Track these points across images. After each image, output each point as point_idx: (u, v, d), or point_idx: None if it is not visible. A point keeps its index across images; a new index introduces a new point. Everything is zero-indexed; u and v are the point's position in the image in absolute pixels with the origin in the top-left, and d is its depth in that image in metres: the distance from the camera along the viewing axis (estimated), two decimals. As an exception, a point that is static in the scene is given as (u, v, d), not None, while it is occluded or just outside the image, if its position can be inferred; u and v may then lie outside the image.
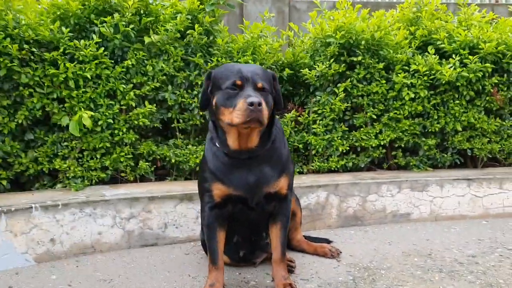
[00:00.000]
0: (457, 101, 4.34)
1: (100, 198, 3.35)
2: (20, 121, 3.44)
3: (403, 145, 4.38)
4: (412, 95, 4.19)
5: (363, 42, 4.07)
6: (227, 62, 3.90)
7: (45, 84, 3.46)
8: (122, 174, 3.83)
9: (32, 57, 3.41)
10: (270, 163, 2.63)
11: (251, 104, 2.25)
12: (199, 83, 3.88)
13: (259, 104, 2.27)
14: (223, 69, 2.49)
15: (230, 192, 2.58)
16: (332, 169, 4.27)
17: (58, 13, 3.63)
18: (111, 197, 3.39)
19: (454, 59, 4.22)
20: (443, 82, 4.17)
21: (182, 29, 3.81)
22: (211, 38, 3.96)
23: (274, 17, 4.57)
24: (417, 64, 4.20)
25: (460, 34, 4.31)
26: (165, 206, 3.51)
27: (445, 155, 4.49)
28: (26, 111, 3.44)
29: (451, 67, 4.17)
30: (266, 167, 2.61)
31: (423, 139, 4.39)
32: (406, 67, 4.26)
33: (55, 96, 3.50)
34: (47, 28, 3.44)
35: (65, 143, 3.61)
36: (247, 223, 2.83)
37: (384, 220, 4.06)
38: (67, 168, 3.58)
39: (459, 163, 4.60)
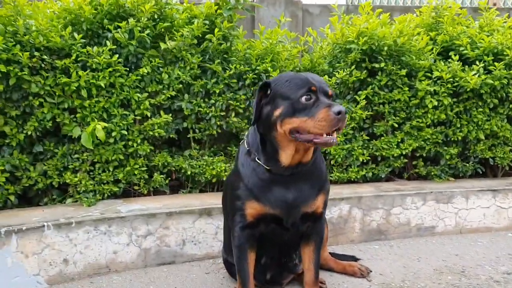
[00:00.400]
0: (480, 109, 4.18)
1: (115, 215, 3.15)
2: (29, 133, 3.23)
3: (424, 154, 4.22)
4: (436, 103, 4.03)
5: (385, 48, 3.90)
6: (246, 69, 3.72)
7: (56, 94, 3.25)
8: (135, 187, 3.63)
9: (42, 65, 3.20)
10: (311, 180, 2.46)
11: (339, 112, 2.09)
12: (217, 91, 3.68)
13: (346, 112, 2.13)
14: (287, 78, 2.30)
15: (266, 211, 2.40)
16: (352, 179, 4.10)
17: (69, 18, 3.43)
18: (127, 213, 3.19)
19: (478, 65, 4.07)
20: (467, 89, 4.02)
21: (200, 35, 3.62)
22: (228, 44, 3.77)
23: (287, 22, 4.37)
24: (440, 70, 4.05)
25: (483, 40, 4.16)
26: (183, 222, 3.31)
27: (467, 165, 4.34)
28: (36, 122, 3.23)
29: (475, 74, 4.02)
30: (306, 185, 2.44)
31: (445, 148, 4.23)
32: (429, 74, 4.10)
33: (66, 106, 3.30)
34: (58, 34, 3.23)
35: (76, 156, 3.41)
36: (278, 244, 2.66)
37: (408, 234, 3.89)
38: (78, 182, 3.37)
39: (481, 172, 4.46)
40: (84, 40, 3.36)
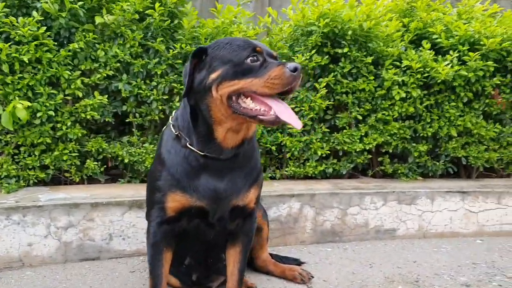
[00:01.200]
0: (453, 103, 3.85)
1: (32, 204, 2.84)
2: None
3: (390, 151, 3.89)
4: (403, 95, 3.69)
5: (349, 32, 3.56)
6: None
7: (-28, 67, 2.94)
8: (67, 175, 3.32)
9: (-44, 35, 2.89)
10: (245, 169, 2.16)
11: (295, 69, 1.86)
12: (159, 72, 3.35)
13: (301, 68, 1.88)
14: (227, 41, 2.02)
15: (191, 203, 2.08)
16: (309, 175, 3.77)
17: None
18: (46, 202, 2.88)
19: (451, 55, 3.73)
20: (438, 81, 3.69)
21: (141, 10, 3.29)
22: (175, 21, 3.44)
23: (252, 3, 4.03)
24: (410, 59, 3.71)
25: (460, 28, 3.81)
26: (110, 214, 3.00)
27: (437, 163, 4.00)
28: (-51, 97, 2.93)
29: (448, 64, 3.68)
30: (240, 174, 2.14)
31: (414, 144, 3.90)
32: (398, 63, 3.77)
33: (-15, 81, 2.99)
34: (-23, 2, 2.92)
35: (-2, 137, 3.10)
36: (202, 243, 2.33)
37: (366, 237, 3.58)
38: (0, 166, 3.07)
39: (452, 172, 4.13)
40: (8, 10, 3.03)
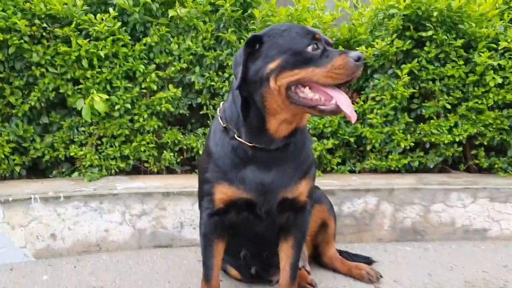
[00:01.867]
0: None
1: (108, 192, 3.00)
2: (33, 103, 3.19)
3: (485, 143, 3.51)
4: (500, 80, 3.30)
5: (435, 14, 3.25)
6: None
7: (57, 63, 3.15)
8: (146, 165, 3.46)
9: (43, 34, 3.12)
10: (296, 161, 2.08)
11: (358, 58, 1.80)
12: (230, 64, 3.35)
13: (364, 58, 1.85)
14: (284, 27, 1.93)
15: (238, 195, 2.04)
16: (392, 168, 3.54)
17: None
18: (121, 190, 3.02)
19: (560, 34, 3.26)
20: (544, 64, 3.24)
21: (213, 1, 3.30)
22: (249, 11, 3.40)
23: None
24: (509, 41, 3.30)
25: None
26: (181, 204, 3.07)
27: (545, 158, 3.53)
28: (39, 92, 3.18)
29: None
30: (289, 165, 2.06)
31: (514, 135, 3.48)
32: (494, 45, 3.37)
33: (69, 76, 3.20)
34: (60, 2, 3.12)
35: (82, 129, 3.31)
36: (254, 236, 2.29)
37: (452, 237, 3.27)
38: (83, 156, 3.28)
39: None
40: (87, 8, 3.22)
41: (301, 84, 1.85)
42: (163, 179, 3.36)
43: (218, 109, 2.19)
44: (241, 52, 1.92)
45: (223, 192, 2.06)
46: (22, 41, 3.05)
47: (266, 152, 2.00)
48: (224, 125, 2.07)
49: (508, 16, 3.47)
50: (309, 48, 1.84)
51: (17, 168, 3.25)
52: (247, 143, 1.99)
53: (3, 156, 3.18)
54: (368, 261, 2.89)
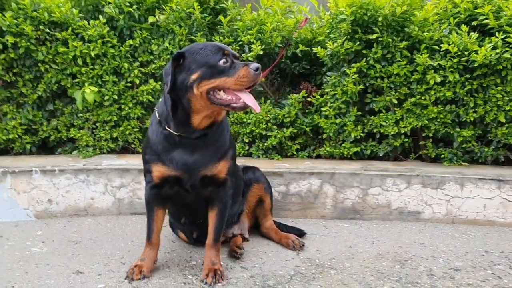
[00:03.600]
0: (500, 87, 3.67)
1: (93, 167, 3.68)
2: (40, 93, 3.92)
3: (430, 135, 3.88)
4: (439, 79, 3.67)
5: (380, 19, 3.66)
6: (230, 41, 3.88)
7: (58, 61, 3.85)
8: (132, 146, 4.12)
9: (47, 37, 3.82)
10: (214, 147, 2.66)
11: (257, 69, 2.40)
12: (201, 62, 3.92)
13: (261, 68, 2.45)
14: (200, 46, 2.53)
15: (169, 173, 2.64)
16: (345, 155, 4.00)
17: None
18: (104, 166, 3.70)
19: (498, 37, 3.56)
20: (476, 65, 3.56)
21: (186, 9, 3.87)
22: (219, 17, 3.95)
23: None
24: (450, 43, 3.65)
25: (509, 8, 3.59)
26: (153, 179, 3.70)
27: (486, 149, 3.86)
28: (44, 84, 3.90)
29: (491, 47, 3.53)
30: (208, 150, 2.64)
31: (458, 129, 3.83)
32: (437, 47, 3.73)
33: (68, 72, 3.90)
34: (60, 11, 3.80)
35: (80, 115, 4.01)
36: (187, 205, 2.90)
37: (388, 217, 3.71)
38: (81, 137, 3.98)
39: (503, 160, 3.93)
40: (81, 15, 3.89)
41: (217, 89, 2.44)
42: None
43: (156, 105, 2.79)
44: (170, 65, 2.50)
45: (157, 170, 2.67)
46: (29, 43, 3.76)
47: (189, 140, 2.60)
48: (158, 119, 2.67)
49: (453, 20, 3.80)
50: (221, 62, 2.44)
51: (28, 146, 4.01)
52: (174, 132, 2.59)
53: (17, 136, 3.93)
54: (300, 233, 3.38)
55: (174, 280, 2.71)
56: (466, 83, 3.72)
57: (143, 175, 2.83)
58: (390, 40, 3.73)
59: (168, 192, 2.74)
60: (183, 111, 2.54)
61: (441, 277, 2.80)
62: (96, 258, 3.01)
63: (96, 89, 3.80)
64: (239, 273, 2.84)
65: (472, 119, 3.75)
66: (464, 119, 3.78)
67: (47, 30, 3.80)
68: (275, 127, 4.00)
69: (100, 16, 3.85)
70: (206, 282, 2.63)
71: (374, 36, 3.71)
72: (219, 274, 2.67)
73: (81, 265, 2.90)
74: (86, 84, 3.84)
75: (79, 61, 3.83)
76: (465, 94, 3.74)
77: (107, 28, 3.83)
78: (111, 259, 2.99)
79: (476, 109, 3.74)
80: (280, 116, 3.97)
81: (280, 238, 3.26)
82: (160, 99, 2.77)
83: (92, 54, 3.79)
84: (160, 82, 4.00)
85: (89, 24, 3.82)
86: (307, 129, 4.00)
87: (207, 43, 2.54)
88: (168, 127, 2.60)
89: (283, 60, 4.06)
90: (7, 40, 3.68)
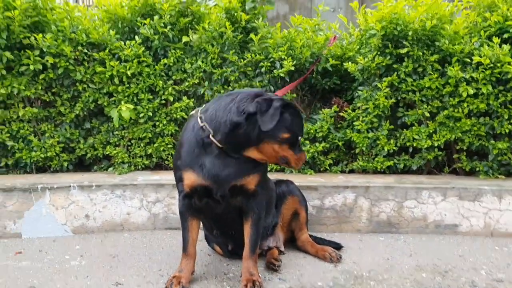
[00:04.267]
0: (536, 99, 3.65)
1: (129, 182, 3.74)
2: (77, 112, 4.03)
3: (465, 148, 3.86)
4: (472, 91, 3.66)
5: (410, 33, 3.70)
6: (261, 58, 3.96)
7: (95, 81, 3.98)
8: (166, 162, 4.18)
9: (85, 57, 3.96)
10: (248, 162, 2.67)
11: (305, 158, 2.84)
12: (233, 79, 4.02)
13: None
14: (298, 113, 2.70)
15: (199, 182, 2.64)
16: (378, 169, 3.98)
17: (108, 17, 4.15)
18: (140, 181, 3.75)
19: (532, 48, 3.56)
20: (510, 76, 3.56)
21: (218, 29, 3.98)
22: (250, 35, 4.04)
23: (343, 10, 4.38)
24: (481, 55, 3.65)
25: (540, 18, 3.61)
26: (188, 195, 3.74)
27: (523, 162, 3.81)
28: (82, 103, 4.01)
29: (524, 58, 3.54)
30: (241, 164, 2.65)
31: (492, 141, 3.80)
32: (468, 60, 3.73)
33: (105, 91, 4.01)
34: (98, 32, 3.94)
35: (116, 132, 4.10)
36: (216, 216, 2.88)
37: (425, 230, 3.66)
38: (117, 154, 4.06)
39: (541, 172, 3.87)
40: (118, 36, 4.03)
41: (285, 155, 2.66)
42: (178, 174, 4.06)
43: (197, 109, 2.80)
44: (278, 106, 2.53)
45: (188, 178, 2.67)
46: (68, 63, 3.89)
47: (228, 156, 2.63)
48: (202, 124, 2.64)
49: (484, 33, 3.81)
50: (300, 139, 2.69)
51: (65, 164, 4.10)
52: (218, 144, 2.61)
53: (54, 154, 4.03)
54: (337, 246, 3.36)
55: (213, 291, 2.73)
56: (500, 95, 3.71)
57: (177, 190, 2.84)
58: (421, 53, 3.76)
59: (198, 202, 2.74)
60: (246, 142, 2.59)
61: (484, 288, 2.76)
62: (134, 270, 3.04)
63: (132, 106, 3.90)
64: (277, 285, 2.84)
65: (507, 131, 3.71)
66: (499, 131, 3.75)
67: (85, 51, 3.94)
68: (307, 142, 4.03)
69: (136, 37, 3.98)
70: (245, 293, 2.63)
71: (405, 50, 3.74)
72: (257, 285, 2.66)
73: (120, 277, 2.93)
74: (122, 102, 3.95)
75: (116, 80, 3.94)
76: (499, 106, 3.72)
77: (143, 48, 3.95)
78: (149, 272, 3.02)
79: (511, 121, 3.72)
80: (312, 131, 4.00)
81: (317, 251, 3.24)
82: (206, 105, 2.77)
83: (129, 73, 3.90)
84: (193, 99, 4.09)
85: (125, 44, 3.95)
86: (340, 143, 4.01)
87: (301, 115, 2.73)
88: (212, 136, 2.60)
89: (313, 75, 4.11)
90: (47, 61, 3.82)
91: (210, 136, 2.60)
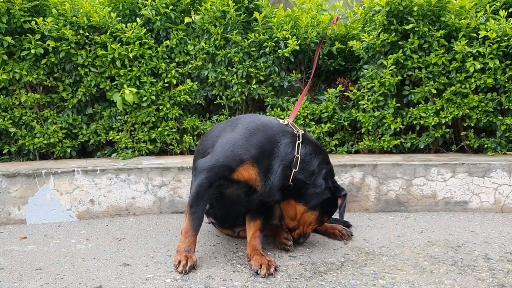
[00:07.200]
0: (544, 72, 3.60)
1: (134, 166, 3.69)
2: (79, 97, 3.97)
3: (472, 124, 3.81)
4: (479, 66, 3.61)
5: (415, 9, 3.65)
6: (265, 38, 3.90)
7: (97, 64, 3.92)
8: (171, 147, 4.13)
9: (86, 41, 3.90)
10: None
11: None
12: (237, 60, 3.96)
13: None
14: None
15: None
16: (385, 149, 3.94)
17: (110, 0, 4.10)
18: (144, 165, 3.70)
19: (538, 21, 3.51)
20: (518, 49, 3.52)
21: (221, 8, 3.92)
22: (254, 14, 3.98)
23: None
24: (488, 29, 3.60)
25: (547, -9, 3.56)
26: (193, 177, 3.70)
27: (532, 137, 3.77)
28: (84, 88, 3.96)
29: (531, 31, 3.49)
30: None
31: (500, 117, 3.75)
32: (475, 34, 3.68)
33: (107, 74, 3.95)
34: (98, 15, 3.88)
35: (119, 117, 4.05)
36: (233, 207, 2.90)
37: (434, 208, 3.62)
38: (120, 140, 4.01)
39: (550, 147, 3.83)
40: (119, 19, 3.96)
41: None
42: (182, 158, 4.01)
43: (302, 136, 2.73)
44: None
45: (247, 171, 2.60)
46: (70, 47, 3.84)
47: None
48: (298, 142, 2.68)
49: (490, 7, 3.76)
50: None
51: (68, 150, 4.04)
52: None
53: (57, 140, 3.98)
54: (346, 225, 3.32)
55: (223, 269, 2.67)
56: (507, 69, 3.66)
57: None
58: (427, 29, 3.71)
59: (228, 191, 2.73)
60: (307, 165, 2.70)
61: (498, 260, 2.70)
62: (141, 252, 2.99)
63: (135, 90, 3.84)
64: (287, 262, 2.78)
65: (514, 106, 3.68)
66: (506, 107, 3.70)
67: (86, 34, 3.88)
68: (312, 122, 3.98)
69: (137, 19, 3.92)
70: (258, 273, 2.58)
71: (410, 26, 3.69)
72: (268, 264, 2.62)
73: (128, 258, 2.88)
74: (124, 86, 3.89)
75: (118, 63, 3.88)
76: (506, 80, 3.67)
77: (144, 30, 3.89)
78: (157, 253, 2.97)
79: (518, 96, 3.68)
80: (317, 112, 3.95)
81: (326, 229, 3.19)
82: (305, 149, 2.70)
83: (130, 55, 3.84)
84: (197, 82, 4.03)
85: (126, 27, 3.89)
86: (345, 123, 3.96)
87: None
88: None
89: (319, 57, 4.06)
90: (48, 45, 3.77)
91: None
